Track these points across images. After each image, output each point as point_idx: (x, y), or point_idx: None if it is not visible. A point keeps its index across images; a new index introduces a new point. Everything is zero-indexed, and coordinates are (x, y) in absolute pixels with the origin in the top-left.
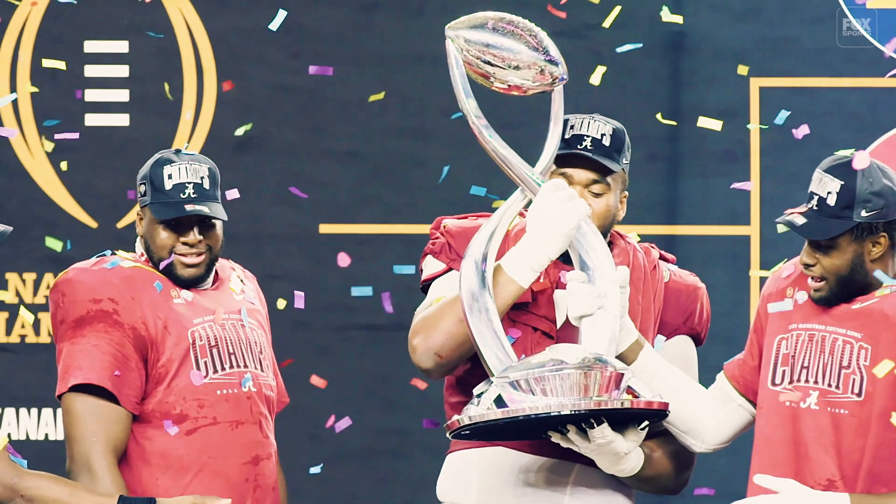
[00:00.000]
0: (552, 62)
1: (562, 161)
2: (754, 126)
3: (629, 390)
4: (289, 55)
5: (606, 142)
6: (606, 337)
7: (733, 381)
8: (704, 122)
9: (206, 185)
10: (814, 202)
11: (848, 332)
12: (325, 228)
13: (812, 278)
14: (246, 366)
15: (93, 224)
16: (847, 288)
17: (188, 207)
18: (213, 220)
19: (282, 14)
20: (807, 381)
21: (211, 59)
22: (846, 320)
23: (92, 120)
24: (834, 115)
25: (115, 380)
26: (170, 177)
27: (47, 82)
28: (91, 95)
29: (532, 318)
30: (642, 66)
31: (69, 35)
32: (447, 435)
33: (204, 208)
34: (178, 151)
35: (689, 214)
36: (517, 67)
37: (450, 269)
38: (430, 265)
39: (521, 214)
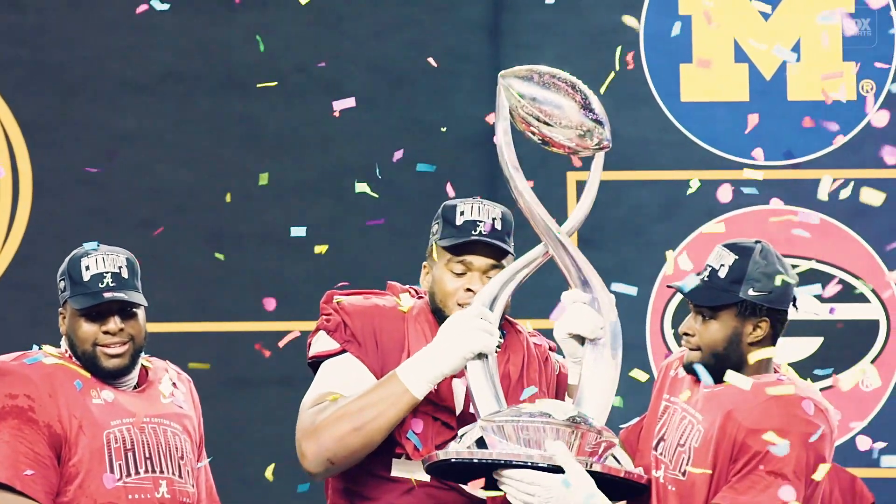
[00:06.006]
0: (598, 122)
1: (460, 249)
2: None
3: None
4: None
5: (498, 225)
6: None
7: (625, 443)
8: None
9: (125, 275)
10: (706, 272)
11: (693, 412)
12: None
13: (689, 348)
14: (162, 471)
15: None
16: (719, 363)
17: (106, 295)
18: (134, 310)
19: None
20: (662, 453)
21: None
22: (697, 400)
23: None
24: (648, 206)
25: (26, 479)
26: (87, 268)
27: None
28: None
29: (431, 407)
30: (465, 172)
31: None
32: (423, 468)
33: (122, 295)
34: (96, 245)
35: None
36: (563, 125)
37: (344, 351)
38: (323, 342)
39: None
